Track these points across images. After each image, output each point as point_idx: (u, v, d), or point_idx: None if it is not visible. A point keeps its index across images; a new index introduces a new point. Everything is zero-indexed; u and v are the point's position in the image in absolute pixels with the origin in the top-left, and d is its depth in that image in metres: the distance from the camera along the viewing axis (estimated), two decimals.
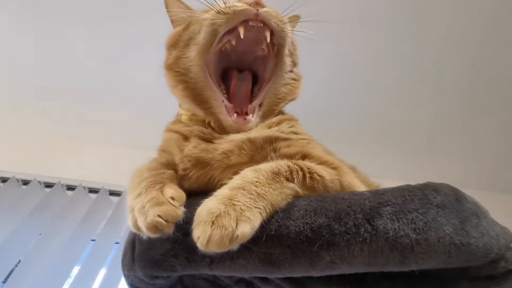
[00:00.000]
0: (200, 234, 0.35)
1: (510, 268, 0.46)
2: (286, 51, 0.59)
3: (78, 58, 1.56)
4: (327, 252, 0.39)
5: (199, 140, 0.54)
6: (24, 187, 1.64)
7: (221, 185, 0.43)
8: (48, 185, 1.66)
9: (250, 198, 0.39)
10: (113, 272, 1.35)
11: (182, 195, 0.44)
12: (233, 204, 0.37)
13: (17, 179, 1.65)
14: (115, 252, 1.45)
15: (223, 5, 0.52)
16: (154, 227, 0.38)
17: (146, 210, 0.39)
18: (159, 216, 0.38)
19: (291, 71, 0.63)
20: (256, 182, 0.41)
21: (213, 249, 0.35)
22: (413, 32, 1.35)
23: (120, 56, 1.54)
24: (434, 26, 1.32)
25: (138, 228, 0.40)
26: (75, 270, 1.36)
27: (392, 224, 0.40)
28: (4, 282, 1.28)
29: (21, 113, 1.82)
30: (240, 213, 0.36)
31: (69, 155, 1.80)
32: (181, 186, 0.49)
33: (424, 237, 0.40)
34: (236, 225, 0.35)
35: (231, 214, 0.36)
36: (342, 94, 1.56)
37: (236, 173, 0.45)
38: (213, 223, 0.35)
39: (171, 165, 0.53)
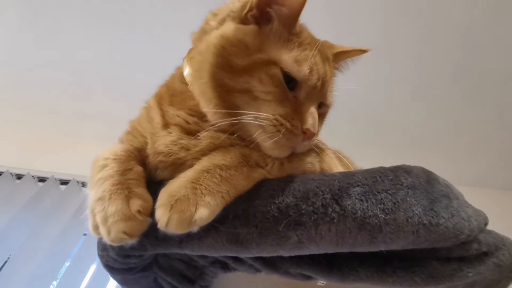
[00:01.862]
0: (160, 217, 0.37)
1: (484, 250, 0.46)
2: None
3: (74, 53, 1.54)
4: (294, 232, 0.39)
5: (180, 133, 0.47)
6: (17, 181, 1.65)
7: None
8: (42, 180, 1.66)
9: (213, 181, 0.39)
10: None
11: (149, 204, 0.41)
12: (194, 188, 0.37)
13: (10, 173, 1.66)
14: None
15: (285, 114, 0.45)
16: (118, 242, 0.38)
17: (110, 225, 0.38)
18: (124, 232, 0.38)
19: None
20: (223, 165, 0.41)
21: (172, 230, 0.36)
22: (404, 28, 1.34)
23: (117, 51, 1.53)
24: (427, 23, 1.31)
25: (99, 234, 0.39)
26: (68, 263, 1.38)
27: (360, 204, 0.40)
28: None
29: (15, 108, 1.82)
30: (200, 197, 0.37)
31: (63, 149, 1.81)
32: (150, 173, 0.48)
33: (392, 217, 0.40)
34: (195, 209, 0.36)
35: (190, 199, 0.36)
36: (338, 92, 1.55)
37: None
38: (172, 206, 0.36)
39: (144, 152, 0.49)
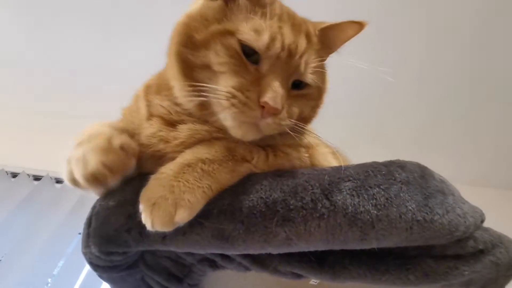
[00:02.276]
0: (145, 220, 0.37)
1: (480, 248, 0.44)
2: None
3: (70, 53, 1.53)
4: (282, 228, 0.38)
5: (161, 124, 0.46)
6: (12, 179, 1.64)
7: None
8: (37, 178, 1.65)
9: (194, 176, 0.37)
10: None
11: (134, 145, 0.40)
12: (172, 186, 0.36)
13: (6, 172, 1.64)
14: None
15: (239, 88, 0.42)
16: (95, 177, 0.36)
17: (87, 159, 0.36)
18: (104, 164, 0.36)
19: None
20: (206, 158, 0.40)
21: (159, 229, 0.36)
22: (406, 29, 1.33)
23: (113, 52, 1.52)
24: (427, 22, 1.30)
25: (74, 180, 0.37)
26: (62, 261, 1.36)
27: (351, 199, 0.39)
28: None
29: (10, 106, 1.80)
30: (179, 195, 0.36)
31: (58, 148, 1.79)
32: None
33: (385, 213, 0.39)
34: (175, 210, 0.35)
35: (168, 199, 0.35)
36: (336, 92, 1.54)
37: None
38: (151, 211, 0.35)
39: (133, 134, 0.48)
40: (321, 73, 0.49)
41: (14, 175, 1.64)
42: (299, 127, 0.45)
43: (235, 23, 0.45)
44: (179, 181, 0.37)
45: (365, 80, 1.54)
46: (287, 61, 0.44)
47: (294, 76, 0.46)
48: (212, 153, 0.41)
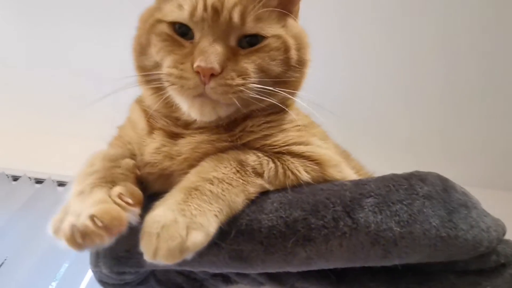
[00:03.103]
0: (145, 246, 0.31)
1: (502, 262, 0.43)
2: None
3: (70, 54, 1.50)
4: (302, 248, 0.36)
5: (163, 137, 0.44)
6: (14, 182, 1.61)
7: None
8: (38, 181, 1.62)
9: (203, 200, 0.35)
10: None
11: (137, 193, 0.37)
12: (183, 210, 0.33)
13: (6, 175, 1.62)
14: None
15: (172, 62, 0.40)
16: (72, 238, 0.32)
17: (84, 207, 0.33)
18: (92, 217, 0.32)
19: None
20: (214, 177, 0.37)
21: (163, 261, 0.31)
22: (405, 31, 1.31)
23: (115, 54, 1.49)
24: (428, 22, 1.28)
25: (56, 231, 0.33)
26: (65, 265, 1.35)
27: (374, 217, 0.37)
28: None
29: (12, 109, 1.77)
30: (191, 219, 0.32)
31: (60, 150, 1.76)
32: (140, 183, 0.43)
33: (408, 230, 0.37)
34: (187, 233, 0.31)
35: (179, 222, 0.32)
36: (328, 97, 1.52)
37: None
38: (158, 234, 0.31)
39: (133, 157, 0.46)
40: (277, 19, 0.45)
41: (15, 178, 1.62)
42: (267, 89, 0.41)
43: (164, 10, 0.45)
44: (189, 205, 0.34)
45: (368, 81, 1.52)
46: (216, 19, 0.41)
47: (235, 32, 0.42)
48: (222, 170, 0.38)
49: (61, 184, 1.64)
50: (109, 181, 0.38)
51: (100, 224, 0.32)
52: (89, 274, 1.34)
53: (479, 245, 0.40)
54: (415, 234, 0.37)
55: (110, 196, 0.35)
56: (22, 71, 1.61)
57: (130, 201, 0.35)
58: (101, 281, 0.45)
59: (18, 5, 1.36)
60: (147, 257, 0.31)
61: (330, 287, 0.42)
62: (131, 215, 0.35)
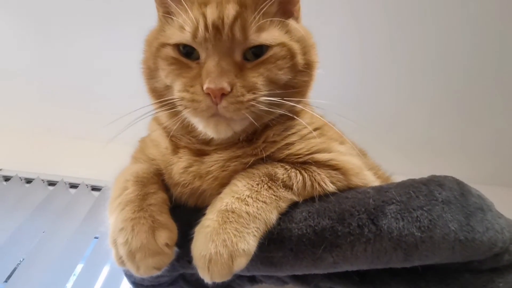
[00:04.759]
0: (204, 276, 0.36)
1: None
2: None
3: (82, 58, 1.50)
4: (329, 254, 0.39)
5: (190, 155, 0.45)
6: (27, 185, 1.64)
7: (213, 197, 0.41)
8: (51, 183, 1.65)
9: (241, 223, 0.37)
10: (117, 268, 1.37)
11: (174, 234, 0.39)
12: (224, 241, 0.36)
13: (20, 178, 1.64)
14: None
15: (184, 89, 0.41)
16: (148, 275, 0.37)
17: (138, 261, 0.36)
18: (154, 267, 0.37)
19: None
20: (248, 197, 0.39)
21: (218, 281, 0.36)
22: (413, 31, 1.29)
23: (125, 57, 1.47)
24: (439, 13, 1.26)
25: (124, 265, 0.38)
26: (79, 267, 1.37)
27: (396, 223, 0.40)
28: (5, 281, 1.27)
29: (25, 112, 1.79)
30: (233, 247, 0.35)
31: (72, 153, 1.79)
32: (175, 200, 0.45)
33: (429, 235, 0.40)
34: (232, 261, 0.35)
35: (223, 254, 0.35)
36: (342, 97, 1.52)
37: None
38: (208, 268, 0.35)
39: (160, 173, 0.47)
40: (279, 25, 0.45)
41: (28, 181, 1.65)
42: (277, 101, 0.41)
43: (167, 33, 0.45)
44: (228, 232, 0.36)
45: (384, 85, 1.52)
46: (218, 37, 0.41)
47: (239, 47, 0.42)
48: (254, 188, 0.40)
49: (73, 186, 1.67)
50: (148, 217, 0.39)
51: (159, 271, 0.38)
52: (104, 273, 1.36)
53: (494, 246, 0.42)
54: (435, 239, 0.39)
55: (156, 242, 0.37)
56: (35, 76, 1.59)
57: (174, 249, 0.39)
58: (134, 283, 0.48)
59: (29, 13, 1.34)
60: (207, 281, 0.36)
61: (353, 286, 0.44)
62: (173, 256, 0.39)
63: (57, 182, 1.64)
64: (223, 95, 0.39)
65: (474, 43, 1.30)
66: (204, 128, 0.43)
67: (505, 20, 1.24)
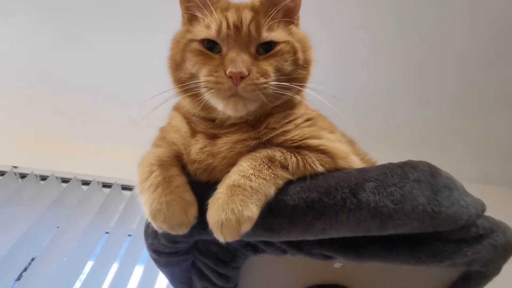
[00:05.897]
0: (217, 236, 0.45)
1: (481, 233, 0.53)
2: None
3: (94, 58, 1.58)
4: (318, 221, 0.47)
5: (205, 139, 0.55)
6: (42, 182, 1.74)
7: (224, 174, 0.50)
8: (65, 181, 1.75)
9: (246, 195, 0.45)
10: (127, 262, 1.45)
11: (197, 207, 0.49)
12: (232, 210, 0.44)
13: (35, 175, 1.75)
14: (128, 243, 1.54)
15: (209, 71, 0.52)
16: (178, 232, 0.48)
17: (176, 229, 0.47)
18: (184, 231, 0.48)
19: None
20: (251, 174, 0.47)
21: (230, 241, 0.45)
22: (414, 28, 1.35)
23: (136, 56, 1.53)
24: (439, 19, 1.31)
25: (162, 229, 0.48)
26: (91, 261, 1.42)
27: (374, 197, 0.48)
28: (18, 279, 1.30)
29: (39, 112, 1.88)
30: (239, 214, 0.44)
31: (84, 152, 1.89)
32: (191, 176, 0.54)
33: (400, 207, 0.48)
34: (240, 225, 0.44)
35: (232, 220, 0.43)
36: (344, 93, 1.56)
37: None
38: (221, 230, 0.44)
39: (180, 158, 0.56)
40: (284, 28, 0.57)
41: (43, 178, 1.75)
42: (284, 85, 0.53)
43: (194, 32, 0.57)
44: (236, 202, 0.44)
45: (377, 82, 1.56)
46: (238, 34, 0.53)
47: (254, 42, 0.54)
48: (257, 167, 0.48)
49: (85, 183, 1.76)
50: (178, 198, 0.48)
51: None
52: (114, 267, 1.43)
53: (460, 219, 0.50)
54: (406, 210, 0.48)
55: (188, 218, 0.48)
56: (49, 76, 1.68)
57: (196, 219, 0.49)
58: (155, 251, 0.57)
59: (40, 8, 1.42)
60: (221, 241, 0.45)
61: (339, 251, 0.53)
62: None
63: (70, 179, 1.74)
64: (242, 78, 0.50)
65: (482, 37, 1.32)
66: (224, 107, 0.53)
67: None
